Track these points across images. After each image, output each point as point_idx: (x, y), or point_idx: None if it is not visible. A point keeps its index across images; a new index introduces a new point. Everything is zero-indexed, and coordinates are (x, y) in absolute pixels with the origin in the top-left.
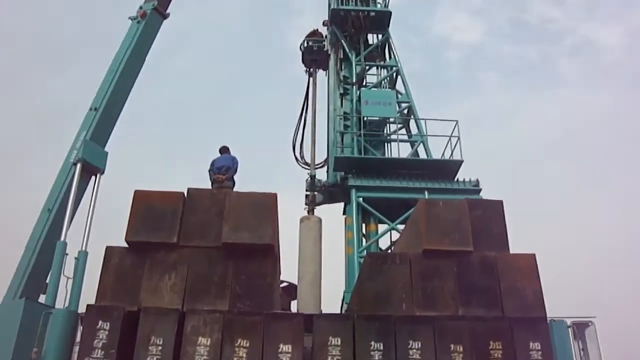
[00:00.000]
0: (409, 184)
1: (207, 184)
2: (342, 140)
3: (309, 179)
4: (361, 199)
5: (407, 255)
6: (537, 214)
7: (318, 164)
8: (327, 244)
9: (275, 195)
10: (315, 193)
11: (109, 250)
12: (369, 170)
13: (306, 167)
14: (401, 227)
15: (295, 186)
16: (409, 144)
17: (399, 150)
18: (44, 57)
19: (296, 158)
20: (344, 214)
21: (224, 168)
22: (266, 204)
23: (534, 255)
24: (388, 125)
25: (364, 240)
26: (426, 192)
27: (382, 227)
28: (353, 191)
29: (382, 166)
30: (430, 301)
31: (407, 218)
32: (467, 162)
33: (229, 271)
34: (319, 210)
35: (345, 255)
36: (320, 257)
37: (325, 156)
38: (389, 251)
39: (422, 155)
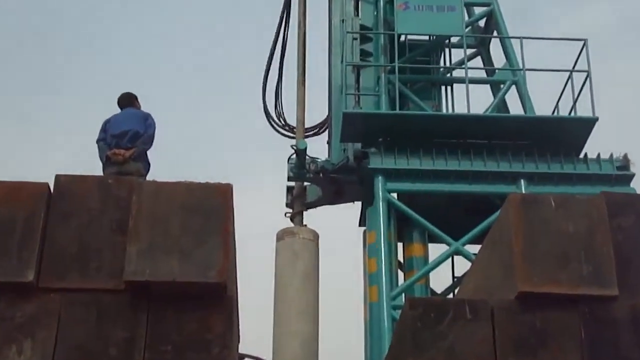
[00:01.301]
0: (489, 165)
1: (95, 168)
2: (358, 81)
3: (294, 156)
4: (394, 195)
5: (487, 305)
6: None
7: (311, 129)
8: (328, 283)
9: (228, 189)
10: (306, 184)
11: None
12: (410, 139)
13: (289, 133)
14: (473, 249)
15: (268, 171)
16: (488, 86)
17: (469, 99)
18: None
19: (270, 118)
20: (361, 224)
21: (128, 136)
22: (212, 207)
23: None
24: (447, 50)
25: (400, 275)
26: (522, 182)
27: (434, 250)
28: (379, 180)
29: (434, 131)
30: None
31: (485, 232)
32: (603, 122)
33: (138, 336)
34: (315, 218)
35: (365, 305)
36: (315, 308)
37: (325, 114)
38: (450, 296)
39: (515, 109)
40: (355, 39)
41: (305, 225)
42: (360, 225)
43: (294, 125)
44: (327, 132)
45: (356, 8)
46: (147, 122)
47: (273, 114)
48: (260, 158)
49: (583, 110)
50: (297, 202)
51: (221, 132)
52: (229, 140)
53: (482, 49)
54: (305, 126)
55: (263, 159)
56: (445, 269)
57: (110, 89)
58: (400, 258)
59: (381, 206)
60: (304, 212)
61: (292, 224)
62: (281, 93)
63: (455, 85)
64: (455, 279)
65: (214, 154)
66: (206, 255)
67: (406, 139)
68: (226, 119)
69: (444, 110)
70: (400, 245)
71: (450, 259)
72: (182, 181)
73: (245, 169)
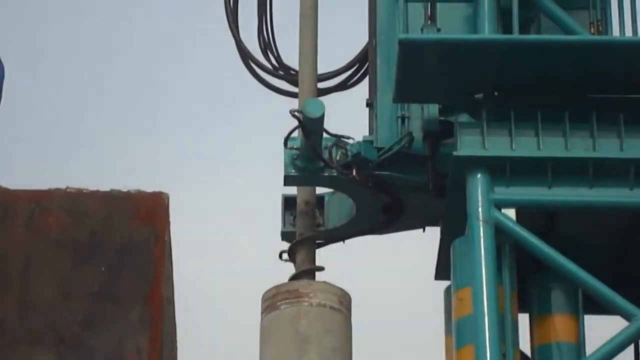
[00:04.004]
0: None
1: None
2: None
3: (298, 133)
4: (511, 213)
5: None
6: None
7: (332, 75)
8: None
9: (160, 206)
10: (324, 193)
11: None
12: (542, 96)
13: (287, 86)
14: None
15: (245, 166)
16: None
17: None
18: None
19: (247, 55)
20: (439, 275)
21: None
22: (127, 243)
23: None
24: None
25: None
26: None
27: (595, 329)
28: (477, 183)
29: (595, 78)
30: None
31: None
32: None
33: None
34: (341, 262)
35: None
36: None
37: (361, 44)
38: None
39: None
40: None
41: (322, 268)
42: (437, 277)
43: (297, 68)
44: (365, 83)
45: None
46: None
47: (261, 58)
48: (227, 139)
49: None
50: (305, 230)
51: (148, 88)
52: (165, 105)
53: None
54: (320, 71)
55: (234, 142)
56: None
57: None
58: (525, 346)
59: (483, 238)
60: (315, 248)
61: (295, 278)
62: (270, 5)
63: None
64: None
65: (133, 135)
66: (113, 347)
67: (534, 96)
68: (161, 60)
69: (616, 34)
70: (523, 318)
71: (632, 346)
72: (60, 189)
73: (196, 162)
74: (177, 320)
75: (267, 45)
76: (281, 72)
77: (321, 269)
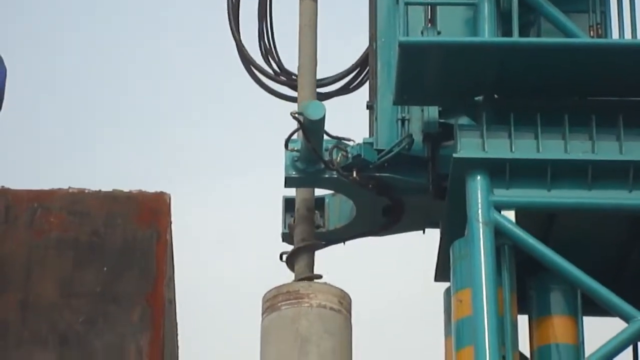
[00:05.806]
0: None
1: None
2: None
3: (298, 135)
4: (510, 214)
5: None
6: None
7: (332, 80)
8: None
9: (162, 206)
10: (325, 194)
11: None
12: (541, 99)
13: (288, 91)
14: None
15: (245, 168)
16: None
17: None
18: None
19: (248, 60)
20: (439, 277)
21: None
22: (128, 243)
23: None
24: None
25: None
26: None
27: (594, 330)
28: (477, 185)
29: (595, 81)
30: None
31: None
32: None
33: None
34: (342, 262)
35: None
36: None
37: (361, 49)
38: None
39: None
40: None
41: (320, 277)
42: (437, 279)
43: (297, 73)
44: (366, 86)
45: None
46: None
47: (262, 63)
48: (228, 141)
49: None
50: (305, 232)
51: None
52: (167, 108)
53: None
54: (320, 76)
55: (235, 144)
56: None
57: None
58: (524, 348)
59: (482, 240)
60: (318, 251)
61: (294, 277)
62: (270, 11)
63: None
64: None
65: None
66: (115, 347)
67: (534, 99)
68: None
69: (615, 37)
70: (523, 319)
71: (631, 347)
72: (62, 189)
73: (198, 164)
74: (178, 320)
75: (268, 50)
76: (282, 77)
77: (319, 277)
